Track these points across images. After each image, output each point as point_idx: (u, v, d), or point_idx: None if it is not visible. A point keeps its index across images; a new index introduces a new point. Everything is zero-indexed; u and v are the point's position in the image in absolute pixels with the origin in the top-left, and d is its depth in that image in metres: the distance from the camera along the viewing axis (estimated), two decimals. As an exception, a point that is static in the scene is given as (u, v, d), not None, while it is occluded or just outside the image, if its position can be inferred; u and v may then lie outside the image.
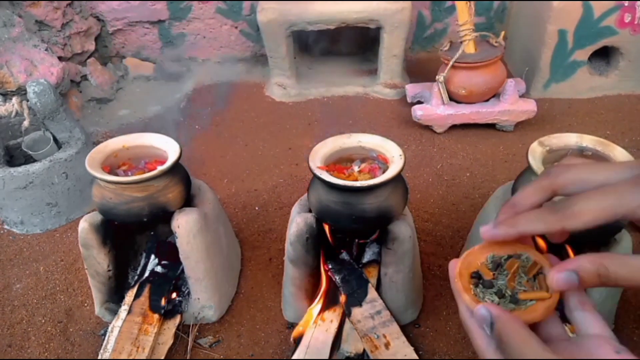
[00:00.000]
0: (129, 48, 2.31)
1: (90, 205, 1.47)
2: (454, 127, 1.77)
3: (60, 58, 1.87)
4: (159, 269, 1.12)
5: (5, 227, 1.46)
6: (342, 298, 1.02)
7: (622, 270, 0.36)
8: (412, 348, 0.94)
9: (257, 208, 1.47)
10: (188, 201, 1.09)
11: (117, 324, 1.02)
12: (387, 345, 0.95)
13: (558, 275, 0.38)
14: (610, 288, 0.96)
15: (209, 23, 2.24)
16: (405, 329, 1.03)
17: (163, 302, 1.06)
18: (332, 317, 1.01)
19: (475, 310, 0.42)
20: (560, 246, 1.04)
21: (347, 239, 1.10)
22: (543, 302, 0.42)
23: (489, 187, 1.49)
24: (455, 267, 0.46)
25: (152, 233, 1.17)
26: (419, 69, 2.17)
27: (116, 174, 1.01)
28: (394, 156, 0.94)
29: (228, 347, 1.06)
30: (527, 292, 0.44)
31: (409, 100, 1.86)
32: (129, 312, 1.03)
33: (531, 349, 0.37)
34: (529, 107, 1.71)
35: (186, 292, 1.11)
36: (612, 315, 1.02)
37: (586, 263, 0.38)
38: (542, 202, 0.41)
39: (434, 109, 1.73)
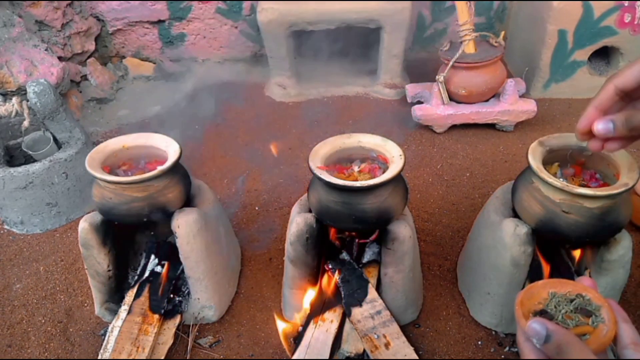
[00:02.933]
0: (129, 48, 2.31)
1: (90, 205, 1.48)
2: (454, 127, 1.77)
3: (60, 58, 1.87)
4: (159, 269, 1.12)
5: (5, 227, 1.46)
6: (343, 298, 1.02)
7: None
8: (412, 348, 0.94)
9: (257, 208, 1.47)
10: (188, 201, 1.09)
11: (117, 324, 1.02)
12: (387, 345, 0.95)
13: (599, 124, 0.56)
14: (609, 289, 0.96)
15: (209, 23, 2.24)
16: (405, 329, 1.03)
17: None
18: (332, 317, 1.01)
19: (527, 325, 0.47)
20: (561, 246, 1.04)
21: (347, 239, 1.10)
22: (597, 338, 0.45)
23: (489, 187, 1.49)
24: (519, 295, 0.52)
25: (152, 233, 1.17)
26: (419, 69, 2.17)
27: (116, 174, 1.01)
28: (394, 156, 0.94)
29: (228, 347, 1.06)
30: (580, 327, 0.49)
31: (409, 100, 1.86)
32: (129, 312, 1.03)
33: (588, 356, 0.43)
34: (529, 107, 1.71)
35: (186, 292, 1.11)
36: (612, 315, 1.02)
37: (619, 115, 0.53)
38: (613, 100, 0.52)
39: (434, 109, 1.73)
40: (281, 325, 1.05)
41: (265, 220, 1.42)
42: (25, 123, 1.41)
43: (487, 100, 1.75)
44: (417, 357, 0.93)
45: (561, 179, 0.87)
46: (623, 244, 0.91)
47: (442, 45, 1.74)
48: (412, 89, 1.85)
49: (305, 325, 1.01)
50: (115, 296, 1.11)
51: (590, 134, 0.59)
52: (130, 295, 1.07)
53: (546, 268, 1.03)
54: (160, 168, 0.96)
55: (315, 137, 1.05)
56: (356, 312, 0.99)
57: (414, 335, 1.06)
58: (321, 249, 1.05)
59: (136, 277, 1.13)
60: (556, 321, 0.51)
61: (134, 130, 1.09)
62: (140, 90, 2.23)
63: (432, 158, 1.65)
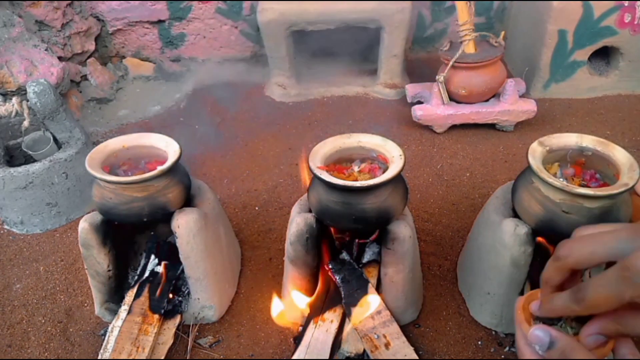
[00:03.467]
0: (129, 48, 2.31)
1: (90, 205, 1.48)
2: (454, 127, 1.77)
3: (60, 58, 1.87)
4: (159, 269, 1.12)
5: (5, 227, 1.46)
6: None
7: (638, 324, 0.42)
8: (412, 348, 0.94)
9: (257, 208, 1.47)
10: (188, 201, 1.09)
11: (117, 324, 1.02)
12: (387, 345, 0.95)
13: (588, 339, 0.45)
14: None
15: (209, 23, 2.24)
16: (405, 329, 1.03)
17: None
18: (332, 317, 1.01)
19: (531, 331, 0.47)
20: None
21: (347, 239, 1.10)
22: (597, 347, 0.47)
23: (489, 187, 1.49)
24: (520, 301, 0.53)
25: (152, 233, 1.17)
26: (419, 69, 2.17)
27: (116, 174, 1.01)
28: (394, 156, 0.94)
29: (228, 347, 1.06)
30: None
31: (409, 100, 1.86)
32: (129, 312, 1.03)
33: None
34: (529, 107, 1.71)
35: (186, 292, 1.11)
36: (612, 315, 1.02)
37: (608, 325, 0.43)
38: (565, 280, 0.47)
39: (434, 109, 1.73)
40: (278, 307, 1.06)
41: (265, 220, 1.42)
42: (25, 123, 1.41)
43: (487, 100, 1.75)
44: (417, 357, 0.93)
45: (561, 179, 0.87)
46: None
47: (442, 45, 1.74)
48: (412, 89, 1.85)
49: (305, 325, 1.01)
50: (115, 296, 1.11)
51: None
52: (130, 295, 1.07)
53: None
54: (160, 168, 0.96)
55: (315, 137, 1.05)
56: (356, 312, 0.99)
57: (414, 335, 1.06)
58: (321, 249, 1.05)
59: (136, 277, 1.13)
60: (556, 328, 0.51)
61: (134, 130, 1.09)
62: (140, 90, 2.23)
63: (432, 158, 1.65)
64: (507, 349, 1.03)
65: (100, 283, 1.09)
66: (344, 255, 1.08)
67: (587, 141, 0.93)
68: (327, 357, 0.94)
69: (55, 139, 1.47)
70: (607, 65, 1.97)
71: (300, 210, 1.04)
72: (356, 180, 0.93)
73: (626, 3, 1.73)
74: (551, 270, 0.47)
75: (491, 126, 1.77)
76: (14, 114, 1.40)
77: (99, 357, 0.98)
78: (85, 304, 1.19)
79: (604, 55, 1.94)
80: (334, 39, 2.17)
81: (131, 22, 2.21)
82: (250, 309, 1.15)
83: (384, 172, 0.93)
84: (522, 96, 1.75)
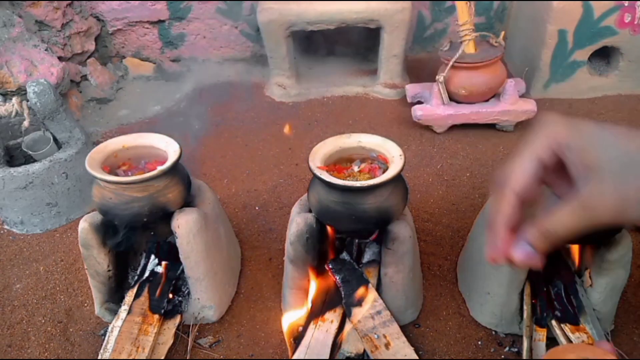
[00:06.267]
0: (129, 48, 2.31)
1: (90, 205, 1.48)
2: (454, 127, 1.77)
3: (60, 58, 1.87)
4: (159, 269, 1.12)
5: (5, 227, 1.46)
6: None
7: (559, 224, 0.43)
8: (412, 348, 0.94)
9: (257, 208, 1.47)
10: (188, 201, 1.09)
11: (117, 324, 1.02)
12: (387, 345, 0.95)
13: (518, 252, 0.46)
14: (609, 289, 0.96)
15: (209, 23, 2.24)
16: (405, 329, 1.03)
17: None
18: (332, 317, 1.01)
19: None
20: (561, 247, 1.04)
21: (347, 239, 1.10)
22: None
23: (489, 187, 1.49)
24: None
25: (152, 233, 1.17)
26: (419, 69, 2.17)
27: (116, 174, 1.01)
28: (394, 156, 0.94)
29: (228, 347, 1.06)
30: None
31: (409, 100, 1.86)
32: (129, 312, 1.03)
33: None
34: (529, 107, 1.71)
35: (186, 292, 1.11)
36: (611, 315, 1.02)
37: (534, 232, 0.45)
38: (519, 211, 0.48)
39: (434, 109, 1.73)
40: (287, 321, 1.04)
41: (265, 220, 1.42)
42: (25, 123, 1.41)
43: (487, 100, 1.75)
44: (417, 357, 0.93)
45: (561, 179, 0.87)
46: (623, 244, 0.91)
47: (442, 45, 1.74)
48: (412, 89, 1.85)
49: (305, 326, 1.01)
50: (115, 296, 1.11)
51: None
52: (130, 295, 1.07)
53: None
54: (160, 168, 0.96)
55: (315, 137, 1.05)
56: (356, 312, 0.99)
57: (414, 335, 1.06)
58: (321, 249, 1.05)
59: (136, 277, 1.13)
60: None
61: (134, 130, 1.09)
62: (140, 90, 2.23)
63: (432, 158, 1.65)
64: (507, 349, 1.03)
65: (100, 283, 1.09)
66: (344, 255, 1.08)
67: (587, 141, 0.93)
68: (327, 357, 0.94)
69: (55, 139, 1.47)
70: (607, 65, 1.97)
71: (300, 210, 1.04)
72: (356, 180, 0.93)
73: (626, 3, 1.73)
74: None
75: (491, 126, 1.77)
76: (14, 114, 1.40)
77: (99, 357, 0.98)
78: (85, 304, 1.19)
79: (604, 55, 1.94)
80: (334, 39, 2.18)
81: (131, 22, 2.21)
82: (250, 309, 1.15)
83: (384, 172, 0.93)
84: (522, 96, 1.75)
